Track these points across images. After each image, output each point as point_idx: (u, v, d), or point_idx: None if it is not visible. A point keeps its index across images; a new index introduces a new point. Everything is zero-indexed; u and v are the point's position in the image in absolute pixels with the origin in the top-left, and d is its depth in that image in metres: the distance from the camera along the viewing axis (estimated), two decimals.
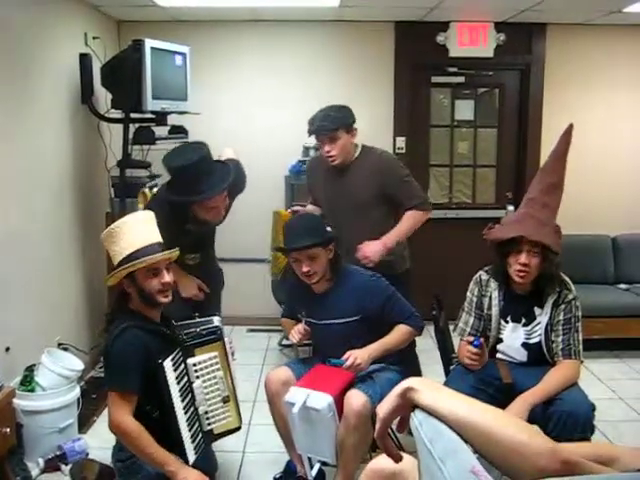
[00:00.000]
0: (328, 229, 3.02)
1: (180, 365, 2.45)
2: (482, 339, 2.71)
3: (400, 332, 2.91)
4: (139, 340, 2.37)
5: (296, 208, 3.69)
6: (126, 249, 2.39)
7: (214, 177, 3.00)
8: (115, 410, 2.32)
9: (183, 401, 2.43)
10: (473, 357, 2.67)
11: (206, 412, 2.53)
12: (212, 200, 3.02)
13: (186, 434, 2.43)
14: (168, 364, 2.38)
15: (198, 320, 2.70)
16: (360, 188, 3.40)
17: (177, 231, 3.02)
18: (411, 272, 3.62)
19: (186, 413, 2.44)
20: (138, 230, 2.44)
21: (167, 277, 2.47)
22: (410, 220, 3.44)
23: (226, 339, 2.69)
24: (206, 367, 2.54)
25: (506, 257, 2.74)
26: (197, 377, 2.50)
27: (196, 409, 2.49)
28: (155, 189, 4.15)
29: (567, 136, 2.75)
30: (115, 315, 2.51)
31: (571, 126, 2.77)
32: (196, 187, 2.94)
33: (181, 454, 2.40)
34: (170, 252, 2.48)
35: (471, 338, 2.70)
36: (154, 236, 2.48)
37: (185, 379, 2.46)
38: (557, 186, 2.71)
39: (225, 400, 2.59)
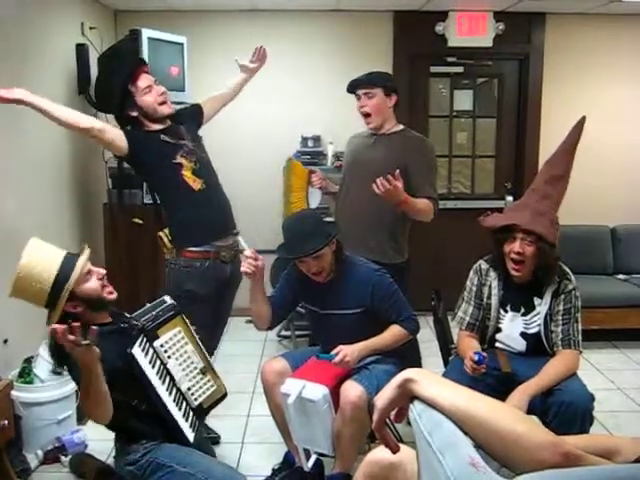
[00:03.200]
0: (328, 221, 2.97)
1: (149, 350, 2.40)
2: (485, 354, 2.65)
3: (393, 333, 2.88)
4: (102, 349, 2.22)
5: (316, 170, 3.63)
6: (47, 279, 2.28)
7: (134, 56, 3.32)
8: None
9: (164, 384, 2.40)
10: (475, 371, 2.62)
11: (189, 388, 2.50)
12: (141, 77, 3.15)
13: (177, 415, 2.41)
14: (137, 351, 2.33)
15: (150, 305, 2.62)
16: (384, 162, 3.27)
17: (157, 142, 3.15)
18: (405, 266, 3.51)
19: (170, 394, 2.42)
20: (41, 257, 2.34)
21: (100, 271, 2.42)
22: (424, 204, 3.25)
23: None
24: (174, 344, 2.49)
25: (502, 246, 2.74)
26: (169, 357, 2.45)
27: (179, 389, 2.46)
28: None
29: (578, 129, 2.73)
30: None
31: (583, 119, 2.72)
32: (121, 65, 3.24)
33: (181, 437, 2.39)
34: (86, 254, 2.41)
35: (475, 357, 2.60)
36: (57, 252, 2.39)
37: (158, 362, 2.42)
38: (561, 178, 2.70)
39: (203, 371, 2.57)
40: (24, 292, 2.33)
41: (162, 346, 2.45)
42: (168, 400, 2.40)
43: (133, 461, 2.39)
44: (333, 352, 2.76)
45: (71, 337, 1.95)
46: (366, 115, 3.38)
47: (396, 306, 2.90)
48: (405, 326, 2.89)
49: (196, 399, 2.52)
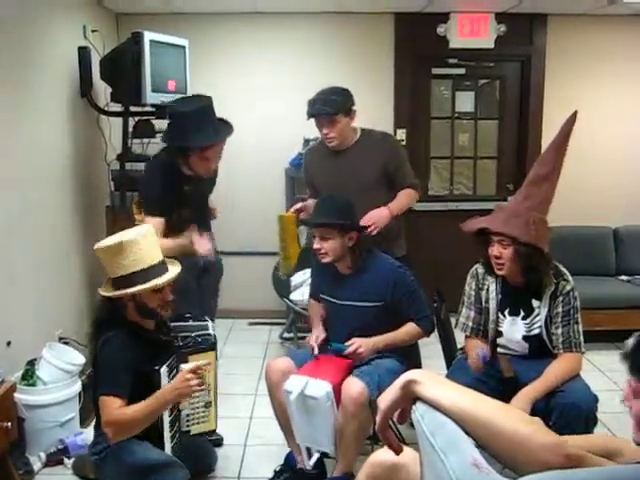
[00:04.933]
0: (356, 218, 3.03)
1: (173, 370, 2.50)
2: (487, 355, 2.74)
3: (408, 331, 2.96)
4: (126, 347, 2.40)
5: (298, 206, 3.65)
6: (134, 265, 2.42)
7: (215, 126, 3.10)
8: (107, 412, 2.35)
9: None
10: (477, 369, 2.73)
11: (187, 415, 2.58)
12: (210, 150, 3.07)
13: (167, 435, 2.49)
14: (164, 371, 2.43)
15: (193, 324, 2.72)
16: (362, 169, 3.40)
17: (175, 195, 3.13)
18: (408, 259, 3.59)
19: (170, 415, 2.50)
20: (145, 247, 2.46)
21: (169, 295, 2.53)
22: (407, 196, 3.48)
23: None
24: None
25: (486, 249, 2.74)
26: None
27: (179, 411, 2.54)
28: None
29: (568, 125, 2.67)
30: (104, 323, 2.52)
31: (575, 114, 2.67)
32: (198, 133, 3.00)
33: (160, 447, 2.48)
34: (174, 275, 2.53)
35: (480, 356, 2.73)
36: (158, 253, 2.51)
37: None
38: (546, 178, 2.64)
39: (207, 405, 2.63)
40: (112, 255, 2.44)
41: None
42: (166, 419, 2.48)
43: (97, 451, 2.51)
44: (347, 344, 2.82)
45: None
46: (330, 139, 3.39)
47: (415, 304, 2.96)
48: (421, 325, 2.96)
49: (188, 426, 2.61)
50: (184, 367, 2.50)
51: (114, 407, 2.32)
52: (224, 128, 3.16)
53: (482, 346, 2.78)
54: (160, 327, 2.63)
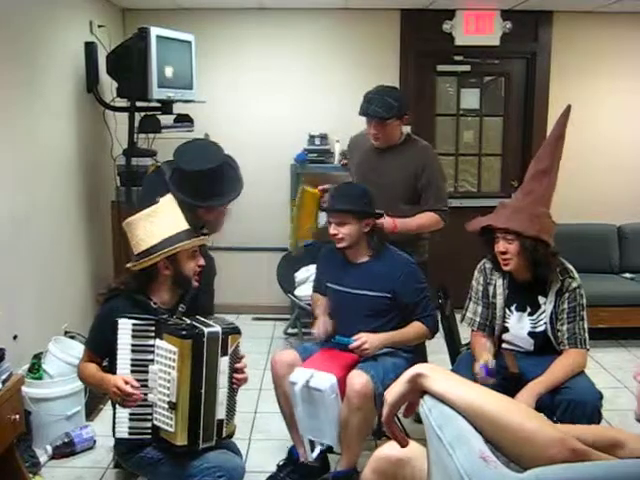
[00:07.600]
0: (372, 205, 3.00)
1: (147, 339, 2.33)
2: (490, 366, 2.64)
3: (415, 330, 2.94)
4: (118, 310, 2.38)
5: (326, 186, 3.62)
6: (169, 230, 2.42)
7: (227, 185, 2.96)
8: (80, 363, 2.49)
9: (133, 373, 2.31)
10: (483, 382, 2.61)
11: (155, 404, 2.31)
12: (219, 208, 3.00)
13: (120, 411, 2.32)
14: (125, 324, 2.30)
15: (215, 317, 2.56)
16: (395, 175, 3.36)
17: None
18: (427, 264, 3.55)
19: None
20: (177, 213, 2.49)
21: (202, 260, 2.55)
22: (425, 218, 3.35)
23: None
24: (164, 357, 2.30)
25: (492, 246, 2.76)
26: (157, 362, 2.32)
27: (146, 393, 2.31)
28: None
29: (563, 119, 2.71)
30: (122, 284, 2.51)
31: (568, 108, 2.71)
32: (207, 193, 2.86)
33: (113, 424, 2.35)
34: (201, 239, 2.55)
35: (483, 372, 2.61)
36: (184, 222, 2.52)
37: (149, 356, 2.33)
38: (546, 172, 2.68)
39: (170, 406, 2.28)
40: (146, 224, 2.43)
41: (157, 348, 2.32)
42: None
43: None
44: (354, 338, 2.81)
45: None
46: (377, 139, 3.37)
47: (423, 303, 2.96)
48: (428, 325, 2.96)
49: (156, 419, 2.32)
50: (158, 342, 2.31)
51: (83, 359, 2.47)
52: (235, 187, 2.99)
53: (487, 357, 2.67)
54: (174, 308, 2.53)
